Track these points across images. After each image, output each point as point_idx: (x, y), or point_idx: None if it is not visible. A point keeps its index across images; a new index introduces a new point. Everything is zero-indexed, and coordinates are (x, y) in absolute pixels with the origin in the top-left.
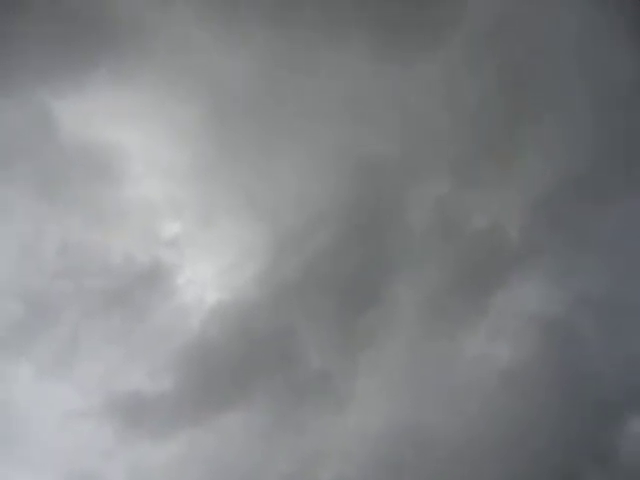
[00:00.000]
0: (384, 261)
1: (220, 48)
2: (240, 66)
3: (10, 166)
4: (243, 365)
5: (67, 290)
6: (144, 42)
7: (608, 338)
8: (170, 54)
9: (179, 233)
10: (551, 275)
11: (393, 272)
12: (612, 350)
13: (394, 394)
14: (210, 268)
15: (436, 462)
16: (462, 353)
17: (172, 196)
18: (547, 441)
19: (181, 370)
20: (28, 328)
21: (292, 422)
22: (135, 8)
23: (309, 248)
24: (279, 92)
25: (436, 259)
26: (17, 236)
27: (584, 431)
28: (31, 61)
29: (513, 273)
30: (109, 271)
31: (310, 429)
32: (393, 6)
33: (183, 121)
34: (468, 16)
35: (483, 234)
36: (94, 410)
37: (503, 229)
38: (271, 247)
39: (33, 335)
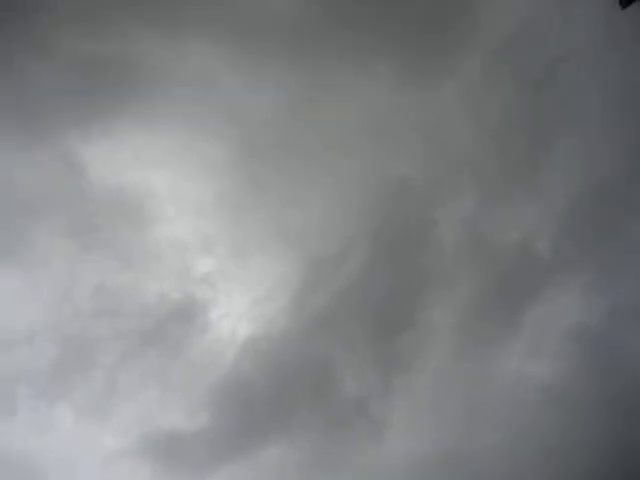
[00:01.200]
0: (415, 284)
1: (243, 85)
2: (264, 100)
3: (44, 213)
4: (278, 398)
5: (103, 332)
6: (167, 84)
7: None
8: (194, 94)
9: (211, 269)
10: (586, 285)
11: (425, 294)
12: None
13: (434, 417)
14: (243, 302)
15: None
16: (501, 371)
17: (203, 233)
18: (598, 454)
19: (217, 406)
20: (66, 372)
21: (331, 453)
22: (158, 52)
23: (340, 275)
24: (303, 123)
25: (468, 278)
26: (52, 281)
27: (635, 442)
28: (59, 110)
29: (547, 287)
30: (144, 311)
31: (350, 458)
32: (410, 35)
33: (210, 159)
34: (481, 37)
35: (513, 250)
36: (134, 450)
37: (533, 243)
38: (302, 277)
39: (71, 378)
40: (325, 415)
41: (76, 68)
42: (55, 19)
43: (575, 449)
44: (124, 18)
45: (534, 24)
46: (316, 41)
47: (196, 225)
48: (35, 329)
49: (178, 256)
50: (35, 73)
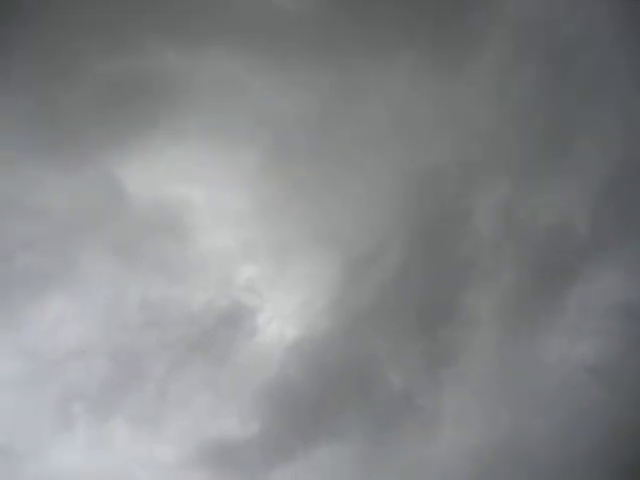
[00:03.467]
0: (454, 274)
1: (268, 88)
2: (290, 101)
3: (86, 233)
4: (327, 398)
5: (152, 344)
6: (195, 95)
7: None
8: (222, 102)
9: (254, 274)
10: (630, 261)
11: (465, 284)
12: None
13: (483, 407)
14: (287, 305)
15: (539, 470)
16: (547, 356)
17: (243, 240)
18: None
19: (268, 410)
20: (119, 385)
21: (384, 450)
22: (180, 63)
23: (379, 271)
24: (332, 121)
25: (507, 264)
26: (99, 298)
27: None
28: (91, 132)
29: (589, 266)
30: (190, 320)
31: (403, 454)
32: (428, 23)
33: (244, 165)
34: (500, 18)
35: (552, 231)
36: (189, 459)
37: (571, 223)
38: (342, 276)
39: (124, 391)
40: (374, 413)
41: (101, 88)
42: (72, 41)
43: (629, 431)
44: (140, 32)
45: (554, 3)
46: (335, 38)
47: (235, 233)
48: (86, 346)
49: (220, 264)
50: (62, 98)
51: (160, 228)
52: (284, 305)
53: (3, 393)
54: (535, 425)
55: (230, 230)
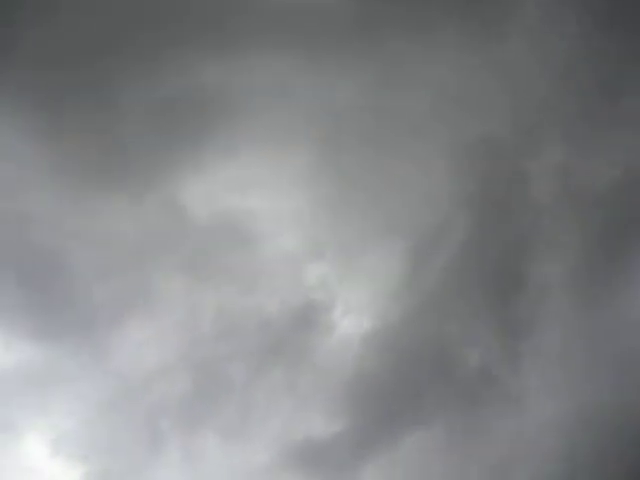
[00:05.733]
0: (520, 244)
1: (315, 86)
2: (338, 97)
3: (155, 256)
4: (407, 386)
5: (231, 353)
6: (244, 103)
7: None
8: (270, 107)
9: (323, 272)
10: None
11: (531, 253)
12: None
13: (566, 375)
14: (359, 297)
15: (629, 437)
16: (625, 315)
17: (308, 240)
18: None
19: (351, 405)
20: (202, 398)
21: (471, 431)
22: (224, 77)
23: (444, 250)
24: (382, 110)
25: (573, 226)
26: (176, 316)
27: None
28: (150, 156)
29: None
30: (266, 326)
31: (491, 433)
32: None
33: (298, 167)
34: None
35: (616, 186)
36: (278, 464)
37: (636, 174)
38: (409, 260)
39: (208, 403)
40: (457, 394)
41: (152, 112)
42: (120, 69)
43: None
44: (181, 53)
45: None
46: (373, 24)
47: (299, 234)
48: (167, 363)
49: (289, 266)
50: (118, 128)
51: (226, 240)
52: (356, 297)
53: (94, 419)
54: (622, 388)
55: (294, 231)
